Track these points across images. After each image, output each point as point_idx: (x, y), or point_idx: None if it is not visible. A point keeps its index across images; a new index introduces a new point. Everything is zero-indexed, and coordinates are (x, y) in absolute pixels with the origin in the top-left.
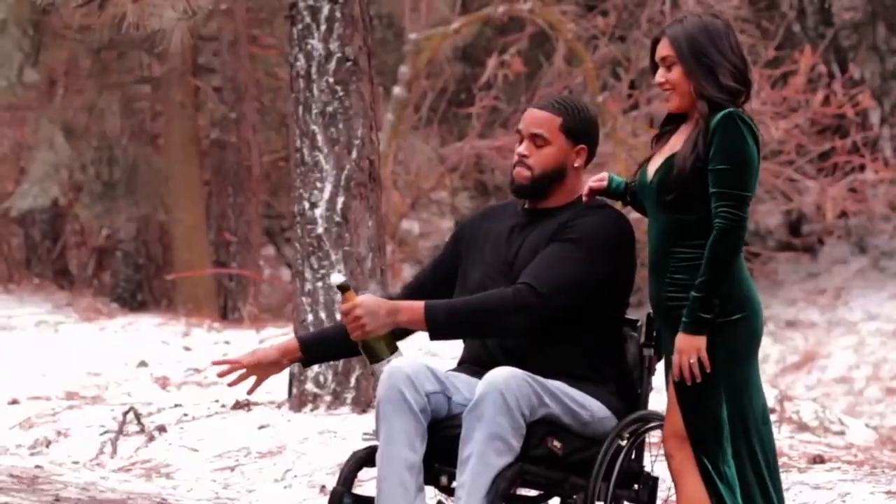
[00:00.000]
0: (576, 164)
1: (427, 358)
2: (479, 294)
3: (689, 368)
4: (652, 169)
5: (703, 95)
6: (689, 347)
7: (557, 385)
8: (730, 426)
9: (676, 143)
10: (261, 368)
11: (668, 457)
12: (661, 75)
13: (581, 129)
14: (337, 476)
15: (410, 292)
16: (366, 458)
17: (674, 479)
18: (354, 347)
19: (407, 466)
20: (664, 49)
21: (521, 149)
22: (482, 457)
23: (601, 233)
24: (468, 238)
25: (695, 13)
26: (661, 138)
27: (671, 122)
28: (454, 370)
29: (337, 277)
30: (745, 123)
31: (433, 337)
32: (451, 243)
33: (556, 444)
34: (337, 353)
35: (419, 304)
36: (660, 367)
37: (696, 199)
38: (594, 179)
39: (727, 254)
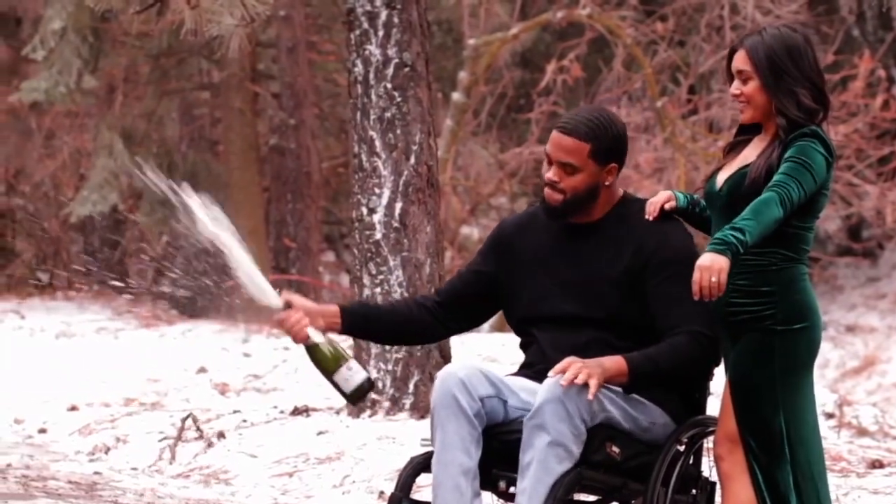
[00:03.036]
0: (607, 183)
1: (485, 363)
2: (668, 345)
3: (707, 287)
4: (722, 178)
5: (781, 112)
6: (713, 265)
7: (617, 390)
8: (786, 433)
9: (750, 154)
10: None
11: (717, 460)
12: (736, 87)
13: (610, 150)
14: (395, 482)
15: (447, 299)
16: (424, 463)
17: (722, 483)
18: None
19: (462, 471)
20: (741, 61)
21: (551, 174)
22: (543, 463)
23: (694, 253)
24: (507, 249)
25: (774, 25)
26: (733, 148)
27: (744, 133)
28: (513, 374)
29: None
30: (824, 141)
31: (631, 390)
32: (489, 252)
33: (616, 449)
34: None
35: (620, 358)
36: (718, 371)
37: None
38: (665, 203)
39: (770, 216)
